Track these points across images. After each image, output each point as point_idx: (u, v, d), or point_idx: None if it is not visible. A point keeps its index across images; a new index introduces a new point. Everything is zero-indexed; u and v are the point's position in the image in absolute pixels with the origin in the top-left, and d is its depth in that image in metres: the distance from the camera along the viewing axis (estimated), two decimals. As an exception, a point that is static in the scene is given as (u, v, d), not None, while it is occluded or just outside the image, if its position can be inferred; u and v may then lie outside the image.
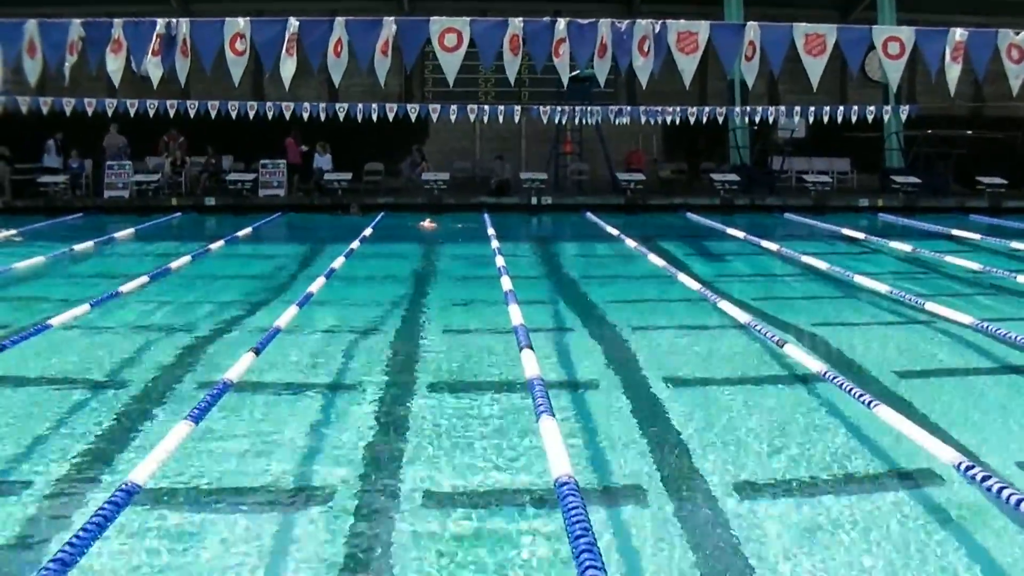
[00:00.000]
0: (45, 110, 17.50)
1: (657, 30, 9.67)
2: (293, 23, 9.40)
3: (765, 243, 12.11)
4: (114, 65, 9.34)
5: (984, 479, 3.30)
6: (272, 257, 12.93)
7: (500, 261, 9.74)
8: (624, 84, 21.90)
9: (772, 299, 9.19)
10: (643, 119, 20.27)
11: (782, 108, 19.61)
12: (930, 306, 7.32)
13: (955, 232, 13.50)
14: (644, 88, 11.39)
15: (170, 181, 19.90)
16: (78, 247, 11.65)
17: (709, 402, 5.54)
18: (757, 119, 19.94)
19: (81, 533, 2.68)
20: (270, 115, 18.31)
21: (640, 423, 5.03)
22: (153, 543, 3.49)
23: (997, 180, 19.50)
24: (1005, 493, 3.15)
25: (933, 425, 4.78)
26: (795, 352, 5.81)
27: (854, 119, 19.08)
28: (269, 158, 19.66)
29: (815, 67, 9.67)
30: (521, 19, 9.73)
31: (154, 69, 9.36)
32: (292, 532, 3.66)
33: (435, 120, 19.67)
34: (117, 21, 9.41)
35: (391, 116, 18.70)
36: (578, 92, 19.68)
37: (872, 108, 19.32)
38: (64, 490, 4.03)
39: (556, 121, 19.90)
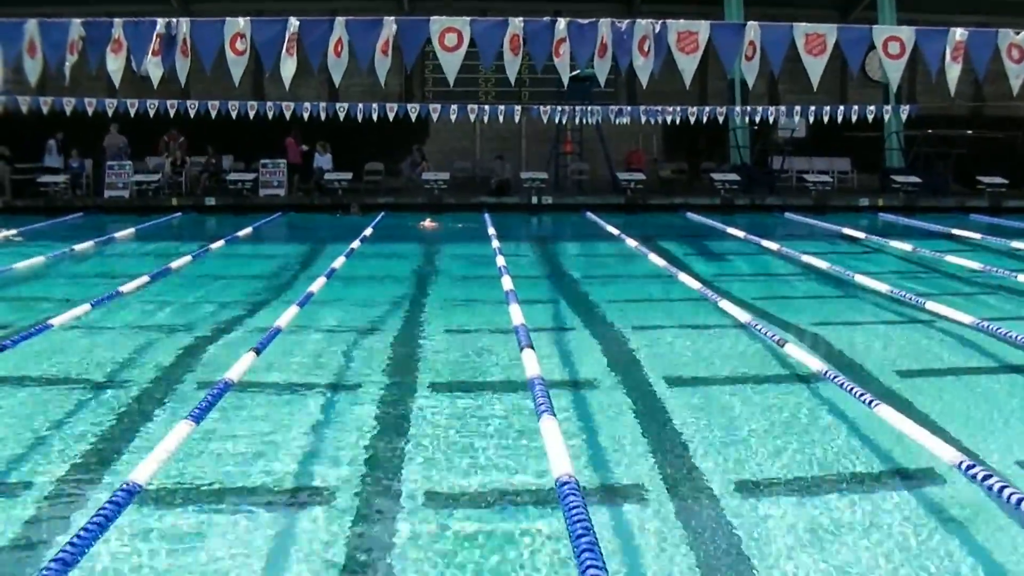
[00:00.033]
0: (45, 110, 17.50)
1: (657, 30, 9.67)
2: (293, 23, 9.40)
3: (765, 243, 12.11)
4: (114, 65, 9.34)
5: (985, 478, 3.30)
6: (272, 257, 12.93)
7: (500, 261, 9.74)
8: (624, 84, 21.90)
9: (772, 299, 9.19)
10: (643, 119, 20.27)
11: (782, 108, 19.61)
12: (930, 305, 7.32)
13: (955, 232, 13.50)
14: (644, 88, 11.39)
15: (170, 181, 19.90)
16: (78, 247, 11.65)
17: (709, 401, 5.54)
18: (757, 119, 19.93)
19: (82, 533, 2.68)
20: (270, 115, 18.31)
21: (640, 423, 5.04)
22: (153, 543, 3.49)
23: (997, 180, 19.50)
24: (1006, 492, 3.15)
25: (934, 424, 4.78)
26: (795, 351, 5.81)
27: (854, 119, 19.08)
28: (269, 158, 19.66)
29: (815, 67, 9.67)
30: (521, 19, 9.72)
31: (154, 69, 9.36)
32: (292, 532, 3.66)
33: (435, 120, 19.67)
34: (117, 21, 9.40)
35: (391, 116, 18.70)
36: (578, 92, 19.67)
37: (872, 108, 19.32)
38: (65, 490, 4.03)
39: (556, 121, 19.89)
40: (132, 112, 17.62)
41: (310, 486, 4.13)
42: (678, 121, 19.81)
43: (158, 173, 19.72)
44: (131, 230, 14.38)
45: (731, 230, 13.96)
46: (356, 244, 11.60)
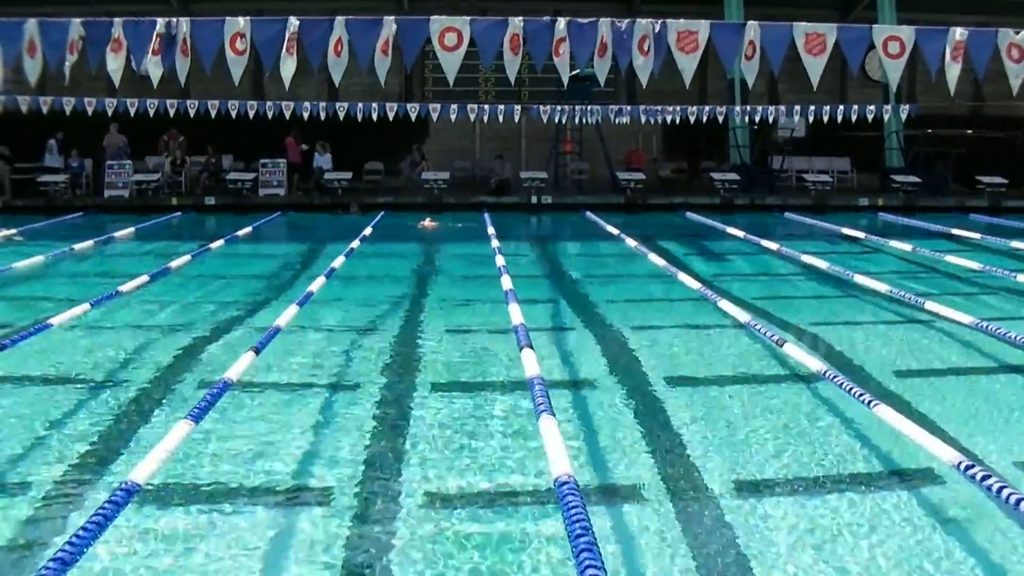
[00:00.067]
0: (45, 109, 17.51)
1: (657, 29, 9.67)
2: (293, 22, 9.40)
3: (765, 242, 12.11)
4: (114, 64, 9.34)
5: (984, 479, 3.30)
6: (272, 256, 12.92)
7: (500, 260, 9.73)
8: (624, 83, 21.91)
9: (772, 298, 9.19)
10: (643, 118, 20.28)
11: (782, 107, 19.62)
12: (930, 305, 7.32)
13: (955, 231, 13.49)
14: (644, 87, 11.39)
15: (170, 180, 19.90)
16: (78, 246, 11.64)
17: (709, 401, 5.54)
18: (757, 118, 19.94)
19: (81, 532, 2.68)
20: (270, 114, 18.32)
21: (640, 422, 5.04)
22: (153, 543, 3.49)
23: (997, 179, 19.49)
24: (1005, 493, 3.15)
25: (933, 425, 4.78)
26: (795, 351, 5.81)
27: (854, 118, 19.09)
28: (269, 157, 19.65)
29: (815, 66, 9.67)
30: (521, 18, 9.73)
31: (154, 68, 9.36)
32: (291, 532, 3.66)
33: (435, 119, 19.68)
34: (117, 20, 9.41)
35: (391, 115, 18.71)
36: (578, 91, 19.67)
37: (872, 107, 19.33)
38: (64, 489, 4.03)
39: (556, 120, 19.91)
40: (132, 112, 17.65)
41: (309, 486, 4.13)
42: (678, 121, 19.83)
43: (158, 173, 19.71)
44: (131, 230, 14.37)
45: (731, 230, 13.96)
46: (356, 244, 11.59)
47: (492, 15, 11.36)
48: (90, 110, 17.30)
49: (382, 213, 17.20)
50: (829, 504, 3.93)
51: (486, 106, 19.68)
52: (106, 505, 2.89)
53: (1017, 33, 9.63)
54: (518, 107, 19.79)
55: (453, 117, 19.04)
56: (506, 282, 8.11)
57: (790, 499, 4.01)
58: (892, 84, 12.66)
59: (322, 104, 18.51)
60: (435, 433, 4.80)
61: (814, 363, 5.44)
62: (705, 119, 19.51)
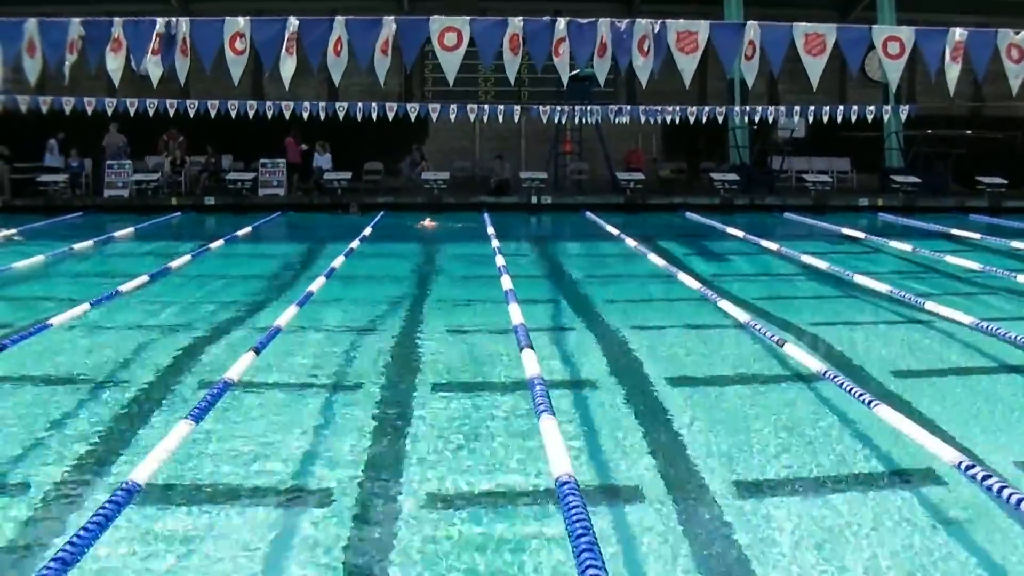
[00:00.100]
0: (45, 109, 17.51)
1: (657, 30, 9.67)
2: (293, 22, 9.40)
3: (765, 243, 12.11)
4: (114, 64, 9.34)
5: (985, 479, 3.30)
6: (272, 256, 12.92)
7: (500, 260, 9.73)
8: (624, 83, 21.90)
9: (772, 299, 9.19)
10: (643, 118, 20.28)
11: (782, 108, 19.62)
12: (930, 305, 7.32)
13: (955, 232, 13.50)
14: (644, 87, 11.40)
15: (170, 180, 19.89)
16: (78, 246, 11.64)
17: (709, 401, 5.54)
18: (757, 119, 19.95)
19: (82, 532, 2.68)
20: (270, 114, 18.31)
21: (640, 422, 5.04)
22: (153, 543, 3.49)
23: (997, 180, 19.50)
24: (1006, 493, 3.15)
25: (933, 425, 4.78)
26: (795, 351, 5.80)
27: (854, 119, 19.10)
28: (269, 157, 19.65)
29: (815, 67, 9.67)
30: (521, 18, 9.72)
31: (154, 68, 9.36)
32: (290, 532, 3.66)
33: (435, 119, 19.68)
34: (117, 20, 9.40)
35: (391, 115, 18.71)
36: (578, 91, 19.67)
37: (872, 108, 19.33)
38: (65, 489, 4.03)
39: (556, 120, 19.91)
40: (132, 111, 17.65)
41: (309, 486, 4.13)
42: (677, 121, 19.83)
43: (157, 172, 19.71)
44: (130, 229, 14.37)
45: (730, 230, 13.96)
46: (355, 244, 11.59)
47: (492, 15, 11.35)
48: (90, 110, 17.29)
49: (382, 213, 17.20)
50: (829, 504, 3.93)
51: (486, 106, 19.68)
52: (107, 505, 2.89)
53: (1017, 33, 9.63)
54: (518, 107, 19.79)
55: (453, 117, 19.04)
56: (506, 282, 8.11)
57: (790, 499, 4.01)
58: (892, 84, 12.67)
59: (322, 104, 18.51)
60: (435, 433, 4.80)
61: (814, 363, 5.44)
62: (705, 119, 19.51)
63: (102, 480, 4.12)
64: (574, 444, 4.52)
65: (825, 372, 5.15)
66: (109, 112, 17.50)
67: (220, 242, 12.35)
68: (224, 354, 6.37)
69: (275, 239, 15.57)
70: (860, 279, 8.85)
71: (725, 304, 7.35)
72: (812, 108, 18.90)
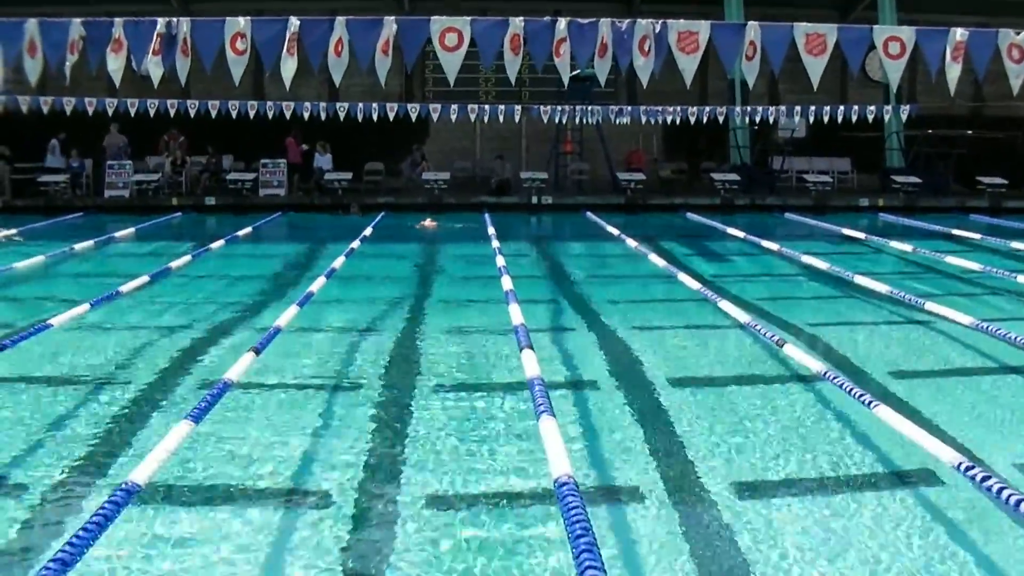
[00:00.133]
0: (45, 109, 17.51)
1: (657, 30, 9.66)
2: (294, 22, 9.40)
3: (765, 243, 12.11)
4: (114, 64, 9.34)
5: (984, 479, 3.30)
6: (272, 257, 12.93)
7: (500, 261, 9.73)
8: (624, 84, 21.91)
9: (772, 299, 9.19)
10: (643, 119, 20.27)
11: (782, 108, 19.61)
12: (930, 306, 7.32)
13: (955, 232, 13.50)
14: (644, 88, 11.38)
15: (170, 181, 19.90)
16: (78, 247, 11.65)
17: (709, 402, 5.54)
18: (757, 119, 19.94)
19: (81, 533, 2.68)
20: (270, 114, 18.32)
21: (640, 423, 5.04)
22: (153, 543, 3.49)
23: (997, 180, 19.50)
24: (1005, 494, 3.15)
25: (933, 425, 4.79)
26: (795, 352, 5.80)
27: (854, 119, 19.08)
28: (269, 157, 19.66)
29: (815, 67, 9.66)
30: (522, 18, 9.72)
31: (154, 68, 9.36)
32: (291, 533, 3.66)
33: (435, 120, 19.67)
34: (118, 20, 9.40)
35: (391, 116, 18.71)
36: (578, 92, 19.67)
37: (872, 108, 19.32)
38: (64, 490, 4.03)
39: (556, 121, 19.91)
40: (132, 112, 17.64)
41: (310, 486, 4.13)
42: (678, 121, 19.82)
43: (158, 173, 19.72)
44: (131, 230, 14.38)
45: (731, 230, 13.96)
46: (356, 244, 11.60)
47: (492, 15, 11.36)
48: (90, 110, 17.30)
49: (382, 213, 17.21)
50: (829, 505, 3.93)
51: (486, 106, 19.68)
52: (106, 505, 2.89)
53: (1018, 33, 9.63)
54: (518, 107, 19.78)
55: (453, 117, 19.03)
56: (506, 282, 8.11)
57: (790, 500, 4.01)
58: (892, 84, 12.64)
59: (322, 104, 18.52)
60: (435, 434, 4.80)
61: (814, 364, 5.44)
62: (705, 119, 19.51)
63: (101, 480, 4.12)
64: (574, 445, 4.52)
65: (825, 372, 5.15)
66: (110, 112, 17.49)
67: (221, 242, 12.35)
68: (224, 354, 6.37)
69: (276, 239, 15.58)
70: (860, 279, 8.85)
71: (725, 304, 7.35)
72: (813, 108, 18.89)
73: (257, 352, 5.38)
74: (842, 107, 19.10)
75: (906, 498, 4.00)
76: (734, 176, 19.90)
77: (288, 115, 18.44)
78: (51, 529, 3.64)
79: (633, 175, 20.04)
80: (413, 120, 19.19)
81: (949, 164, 20.89)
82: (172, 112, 17.79)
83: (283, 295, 9.07)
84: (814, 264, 10.19)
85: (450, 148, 22.99)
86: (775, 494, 4.07)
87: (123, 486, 3.07)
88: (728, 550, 3.50)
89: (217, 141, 20.26)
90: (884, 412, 4.18)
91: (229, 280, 10.39)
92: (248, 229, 14.21)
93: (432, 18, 9.62)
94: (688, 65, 9.70)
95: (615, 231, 13.49)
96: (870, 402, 4.33)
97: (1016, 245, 11.54)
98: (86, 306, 7.08)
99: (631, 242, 12.09)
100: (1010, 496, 3.11)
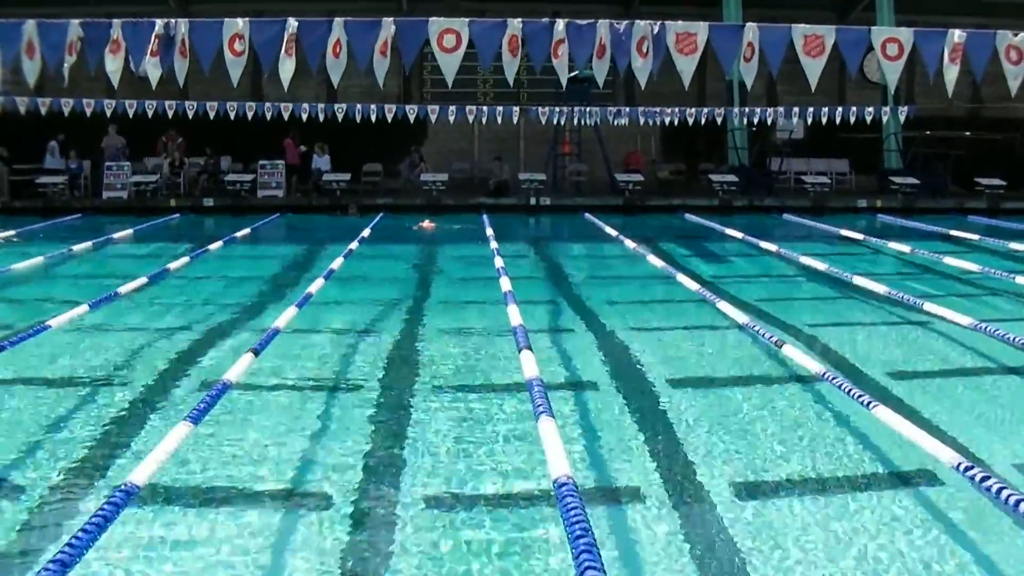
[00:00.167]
0: (44, 111, 17.50)
1: (656, 31, 9.67)
2: (292, 24, 9.40)
3: (764, 244, 12.12)
4: (113, 66, 9.33)
5: (983, 480, 3.31)
6: (271, 258, 12.92)
7: (499, 262, 9.73)
8: (623, 85, 21.93)
9: (771, 300, 9.19)
10: (642, 120, 20.28)
11: (780, 109, 19.63)
12: (928, 307, 7.32)
13: (953, 233, 13.51)
14: (643, 89, 11.40)
15: (168, 182, 19.90)
16: (77, 248, 11.64)
17: (707, 402, 5.54)
18: (756, 120, 19.95)
19: (80, 534, 2.68)
20: (269, 116, 18.32)
21: (638, 424, 5.04)
22: (151, 544, 3.48)
23: (995, 181, 19.52)
24: (1004, 494, 3.15)
25: (932, 425, 4.79)
26: (794, 353, 5.81)
27: (852, 120, 19.11)
28: (268, 159, 19.66)
29: (814, 68, 9.67)
30: (520, 20, 9.73)
31: (153, 70, 9.36)
32: (290, 533, 3.66)
33: (434, 121, 19.69)
34: (116, 22, 9.40)
35: (390, 117, 18.72)
36: (577, 93, 19.68)
37: (870, 109, 19.35)
38: (63, 491, 4.02)
39: (555, 122, 19.92)
40: (130, 113, 17.64)
41: (308, 488, 4.12)
42: (676, 122, 19.84)
43: (156, 174, 19.72)
44: (129, 231, 14.37)
45: (729, 231, 13.96)
46: (354, 245, 11.59)
47: (491, 16, 11.36)
48: (88, 111, 17.29)
49: (381, 214, 17.21)
50: (828, 505, 3.93)
51: (484, 108, 19.69)
52: (105, 506, 2.88)
53: (1015, 35, 9.64)
54: (517, 109, 19.80)
55: (452, 119, 19.04)
56: (505, 283, 8.11)
57: (789, 500, 4.01)
58: (890, 86, 12.69)
59: (321, 105, 18.52)
60: (434, 435, 4.80)
61: (813, 364, 5.44)
62: (704, 121, 19.53)
63: (101, 482, 4.11)
64: (573, 445, 4.52)
65: (824, 373, 5.15)
66: (108, 113, 17.49)
67: (219, 243, 12.34)
68: (223, 356, 6.37)
69: (274, 240, 15.57)
70: (859, 280, 8.86)
71: (724, 305, 7.35)
72: (811, 109, 18.92)
73: (256, 353, 5.38)
74: (840, 108, 19.13)
75: (905, 498, 4.00)
76: (732, 177, 19.92)
77: (286, 116, 18.44)
78: (50, 530, 3.63)
79: (631, 176, 20.06)
80: (411, 121, 19.20)
81: (947, 165, 20.91)
82: (170, 113, 17.78)
83: (282, 296, 9.07)
84: (812, 265, 10.20)
85: (448, 149, 23.00)
86: (774, 494, 4.07)
87: (122, 487, 3.07)
88: (727, 550, 3.50)
89: (215, 142, 20.25)
90: (883, 412, 4.18)
91: (228, 281, 10.39)
92: (246, 230, 14.20)
93: (430, 19, 9.62)
94: (686, 66, 9.71)
95: (613, 232, 13.49)
96: (869, 403, 4.33)
97: (1014, 246, 11.56)
98: (85, 307, 7.08)
99: (629, 243, 12.10)
100: (1010, 496, 3.12)
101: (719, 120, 19.79)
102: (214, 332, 7.39)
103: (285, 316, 6.65)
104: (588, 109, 19.90)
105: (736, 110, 19.86)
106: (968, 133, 20.80)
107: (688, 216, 17.58)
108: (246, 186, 19.12)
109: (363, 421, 5.04)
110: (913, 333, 7.59)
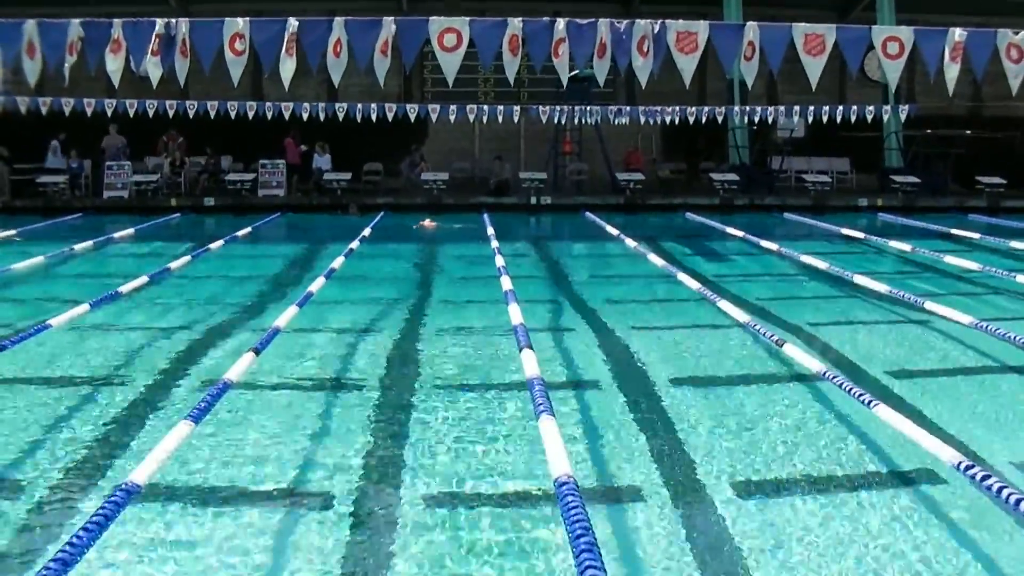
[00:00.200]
0: (44, 110, 17.53)
1: (656, 30, 9.68)
2: (292, 23, 9.41)
3: (764, 243, 12.11)
4: (113, 65, 9.35)
5: (984, 479, 3.30)
6: (272, 257, 12.92)
7: (500, 261, 9.73)
8: (623, 84, 21.91)
9: (772, 299, 9.19)
10: (642, 119, 20.31)
11: (781, 108, 19.65)
12: (929, 305, 7.32)
13: (954, 232, 13.50)
14: (643, 88, 11.41)
15: (169, 181, 19.90)
16: (78, 247, 11.65)
17: (708, 401, 5.54)
18: (756, 119, 19.96)
19: (81, 533, 2.68)
20: (269, 115, 18.34)
21: (639, 422, 5.04)
22: (152, 544, 3.49)
23: (996, 180, 19.52)
24: (1005, 493, 3.15)
25: (933, 424, 4.79)
26: (794, 351, 5.80)
27: (853, 119, 19.13)
28: (268, 158, 19.66)
29: (814, 67, 9.69)
30: (520, 19, 9.74)
31: (153, 69, 9.38)
32: (290, 533, 3.66)
33: (434, 120, 19.70)
34: (116, 21, 9.41)
35: (390, 116, 18.74)
36: (577, 92, 19.68)
37: (871, 108, 19.36)
38: (63, 490, 4.03)
39: (555, 121, 19.93)
40: (131, 112, 17.68)
41: (309, 487, 4.12)
42: (677, 121, 19.86)
43: (157, 173, 19.72)
44: (130, 230, 14.37)
45: (730, 230, 13.96)
46: (355, 244, 11.59)
47: (491, 16, 11.36)
48: (89, 111, 17.32)
49: (381, 214, 17.21)
50: (828, 504, 3.93)
51: (485, 107, 19.72)
52: (106, 506, 2.89)
53: (1016, 34, 9.65)
54: (517, 108, 19.82)
55: (452, 118, 19.06)
56: (506, 282, 8.11)
57: (789, 499, 4.01)
58: (891, 84, 12.69)
59: (321, 105, 18.54)
60: (434, 434, 4.80)
61: (814, 363, 5.44)
62: (704, 120, 19.54)
63: (101, 481, 4.12)
64: (573, 445, 4.52)
65: (825, 372, 5.15)
66: (109, 113, 17.52)
67: (220, 243, 12.34)
68: (224, 355, 6.37)
69: (275, 240, 15.57)
70: (859, 279, 8.85)
71: (725, 304, 7.35)
72: (811, 108, 18.93)
73: (257, 352, 5.38)
74: (841, 107, 19.15)
75: (906, 497, 4.00)
76: (733, 176, 19.91)
77: (287, 115, 18.47)
78: (51, 529, 3.64)
79: (632, 175, 20.05)
80: (412, 120, 19.23)
81: (948, 164, 20.91)
82: (171, 113, 17.82)
83: (282, 295, 9.07)
84: (813, 264, 10.20)
85: (449, 148, 23.00)
86: (775, 493, 4.07)
87: (123, 486, 3.07)
88: (728, 550, 3.50)
89: (216, 142, 20.26)
90: (884, 411, 4.18)
91: (228, 280, 10.39)
92: (247, 230, 14.20)
93: (431, 19, 9.63)
94: (687, 65, 9.73)
95: (614, 231, 13.49)
96: (870, 401, 4.33)
97: (1015, 244, 11.55)
98: (85, 306, 7.08)
99: (630, 242, 12.09)
100: (1010, 495, 3.12)
101: (720, 119, 19.81)
102: (215, 331, 7.40)
103: (286, 315, 6.66)
104: (589, 108, 19.91)
105: (737, 109, 19.86)
106: (969, 132, 20.79)
107: (689, 215, 17.58)
108: (247, 185, 19.12)
109: (364, 420, 5.04)
110: (914, 332, 7.59)
